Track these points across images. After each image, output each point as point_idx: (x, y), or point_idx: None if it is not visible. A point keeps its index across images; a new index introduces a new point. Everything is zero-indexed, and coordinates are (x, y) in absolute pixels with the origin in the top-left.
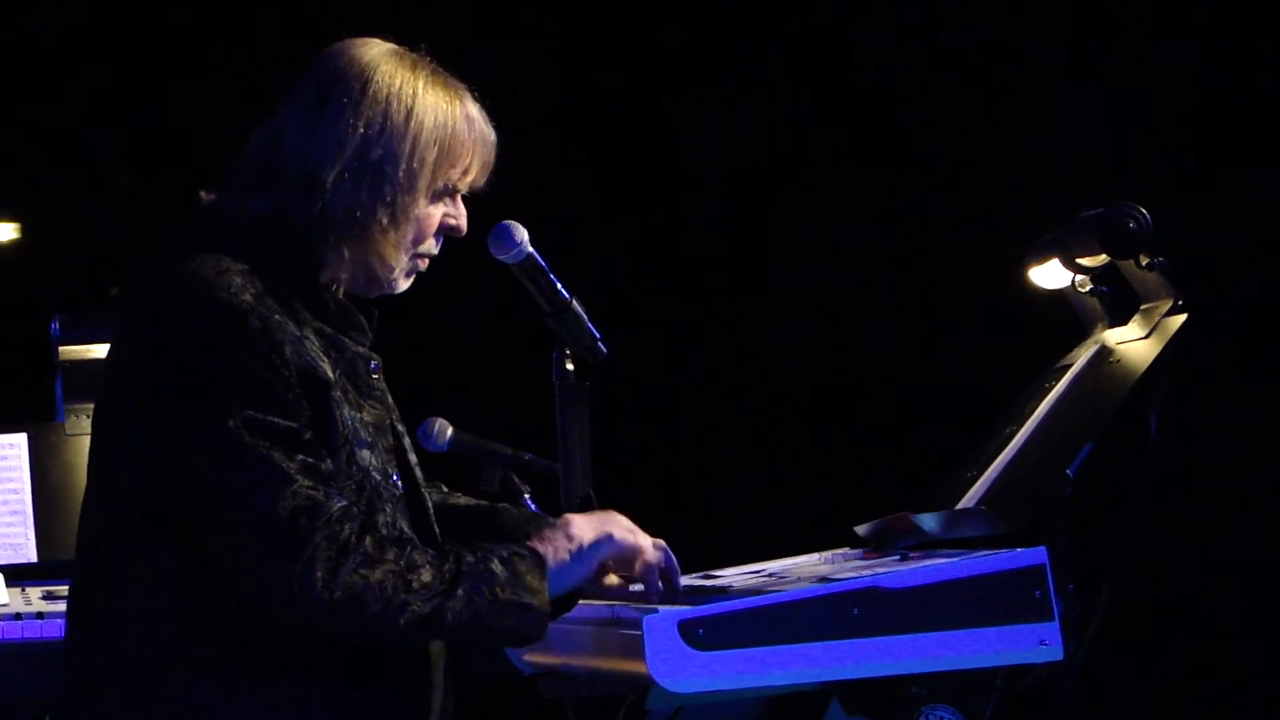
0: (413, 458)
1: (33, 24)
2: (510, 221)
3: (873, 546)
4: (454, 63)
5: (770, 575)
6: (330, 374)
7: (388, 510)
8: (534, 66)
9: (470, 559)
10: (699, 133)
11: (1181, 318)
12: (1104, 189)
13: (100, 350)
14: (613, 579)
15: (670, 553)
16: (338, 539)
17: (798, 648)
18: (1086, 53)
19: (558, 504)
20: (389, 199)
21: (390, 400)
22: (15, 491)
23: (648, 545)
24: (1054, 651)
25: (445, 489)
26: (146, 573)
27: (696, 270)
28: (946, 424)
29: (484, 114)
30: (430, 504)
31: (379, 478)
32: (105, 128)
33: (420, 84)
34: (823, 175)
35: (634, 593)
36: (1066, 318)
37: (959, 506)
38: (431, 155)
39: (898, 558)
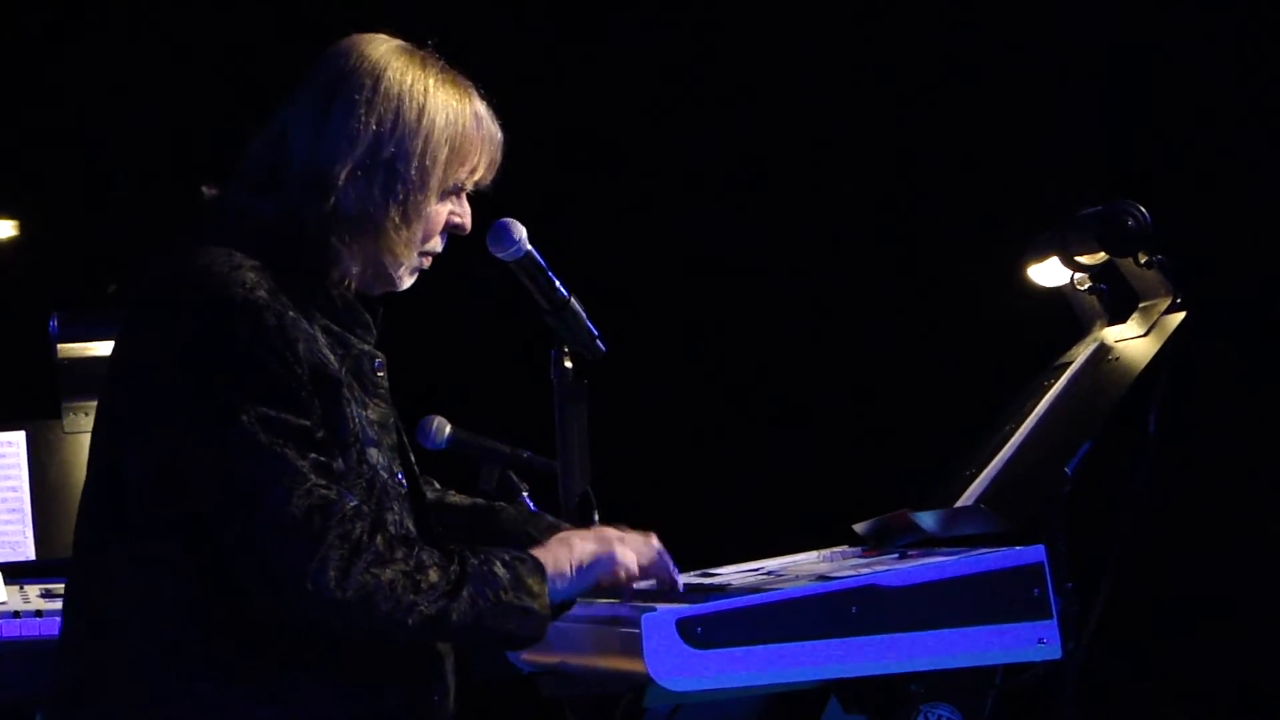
0: (411, 455)
1: (32, 23)
2: (509, 219)
3: (871, 544)
4: (456, 58)
5: (769, 573)
6: (339, 371)
7: (395, 508)
8: (532, 64)
9: (474, 561)
10: (699, 132)
11: (1180, 315)
12: (1105, 188)
13: (99, 348)
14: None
15: (666, 556)
16: (350, 537)
17: (796, 646)
18: (1086, 53)
19: (556, 502)
20: (401, 197)
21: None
22: (13, 489)
23: (643, 565)
24: (1052, 650)
25: (438, 486)
26: (150, 569)
27: (696, 268)
28: (945, 422)
29: (490, 112)
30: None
31: (386, 476)
32: (104, 126)
33: (431, 81)
34: (824, 175)
35: (631, 590)
36: (1065, 316)
37: (958, 504)
38: (443, 154)
39: (896, 556)
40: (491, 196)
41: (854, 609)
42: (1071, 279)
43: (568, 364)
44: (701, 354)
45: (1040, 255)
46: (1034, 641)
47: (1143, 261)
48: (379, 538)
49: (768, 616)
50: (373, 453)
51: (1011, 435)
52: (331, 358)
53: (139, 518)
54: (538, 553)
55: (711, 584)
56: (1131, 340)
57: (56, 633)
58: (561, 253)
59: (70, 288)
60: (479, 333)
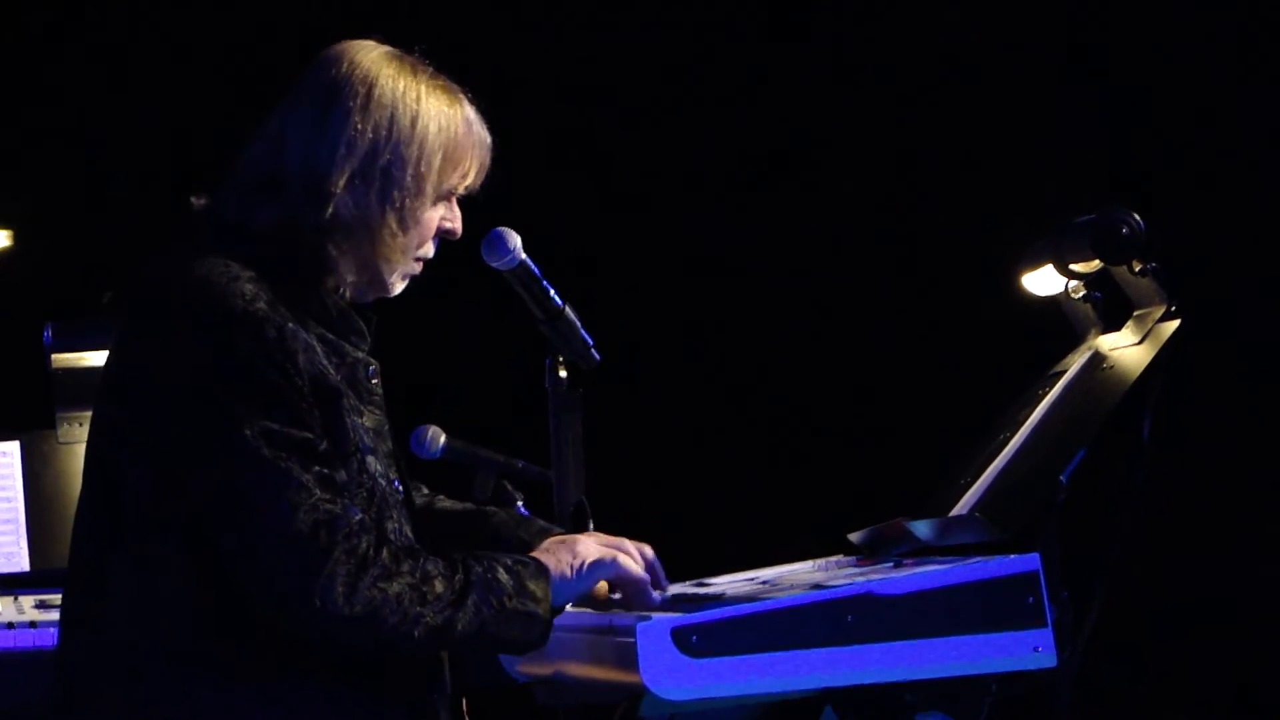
0: (404, 463)
1: (30, 25)
2: (503, 228)
3: (866, 553)
4: (455, 58)
5: (764, 582)
6: (338, 381)
7: (395, 516)
8: (533, 64)
9: (479, 569)
10: (699, 132)
11: (1175, 323)
12: (1105, 188)
13: (93, 358)
14: (603, 587)
15: (658, 567)
16: (357, 552)
17: (791, 655)
18: (1086, 53)
19: (551, 511)
20: (398, 204)
21: None
22: (8, 500)
23: (643, 574)
24: (1048, 658)
25: (426, 491)
26: (148, 577)
27: (696, 268)
28: (940, 430)
29: (479, 117)
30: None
31: (384, 484)
32: (99, 134)
33: (423, 88)
34: (824, 175)
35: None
36: (1063, 319)
37: (953, 513)
38: (437, 159)
39: (891, 564)
40: (493, 197)
41: (849, 618)
42: (1066, 287)
43: (562, 373)
44: (701, 354)
45: (1034, 263)
46: (1029, 650)
47: (1137, 269)
48: (385, 551)
49: (763, 625)
50: (371, 461)
51: (1006, 444)
52: (330, 367)
53: (137, 525)
54: (540, 556)
55: (706, 593)
56: (1126, 348)
57: (51, 644)
58: (561, 253)
59: (64, 297)
60: (473, 342)
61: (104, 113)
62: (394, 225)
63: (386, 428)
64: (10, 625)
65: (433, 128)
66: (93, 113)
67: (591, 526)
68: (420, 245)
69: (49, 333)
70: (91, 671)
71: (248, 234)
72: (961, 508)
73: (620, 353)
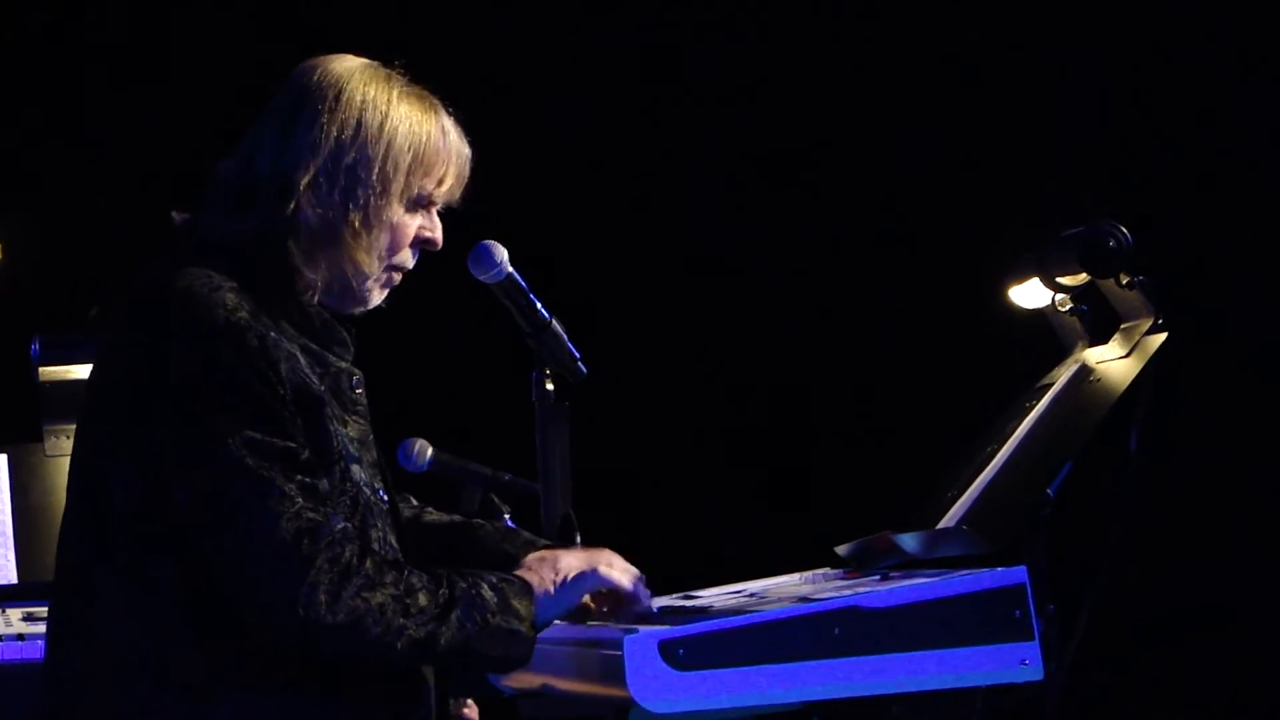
0: (389, 473)
1: (11, 43)
2: (490, 241)
3: (853, 566)
4: (454, 58)
5: (751, 595)
6: (321, 390)
7: (379, 525)
8: (533, 64)
9: (463, 585)
10: (699, 132)
11: (1161, 336)
12: (1105, 189)
13: (81, 371)
14: (590, 600)
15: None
16: (340, 561)
17: (778, 668)
18: (1086, 53)
19: (538, 524)
20: (361, 201)
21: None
22: None
23: (629, 583)
24: (1035, 671)
25: (415, 503)
26: (135, 588)
27: (696, 268)
28: (927, 444)
29: (459, 129)
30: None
31: (369, 493)
32: (85, 149)
33: (394, 94)
34: (824, 175)
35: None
36: (1048, 337)
37: (940, 526)
38: (405, 160)
39: (878, 577)
40: (493, 197)
41: (836, 630)
42: (1053, 300)
43: (549, 386)
44: (683, 378)
45: (1021, 276)
46: (1016, 663)
47: (1124, 282)
48: (368, 561)
49: (750, 638)
50: (356, 470)
51: (993, 456)
52: (313, 376)
53: (123, 536)
54: (523, 574)
55: (693, 606)
56: (1113, 361)
57: (38, 657)
58: (561, 254)
59: (52, 311)
60: (461, 355)
61: (97, 125)
62: (356, 223)
63: (371, 438)
64: None
65: (402, 128)
66: (85, 125)
67: (579, 539)
68: (394, 252)
69: (37, 346)
70: (79, 684)
71: (225, 245)
72: (948, 521)
73: (620, 353)
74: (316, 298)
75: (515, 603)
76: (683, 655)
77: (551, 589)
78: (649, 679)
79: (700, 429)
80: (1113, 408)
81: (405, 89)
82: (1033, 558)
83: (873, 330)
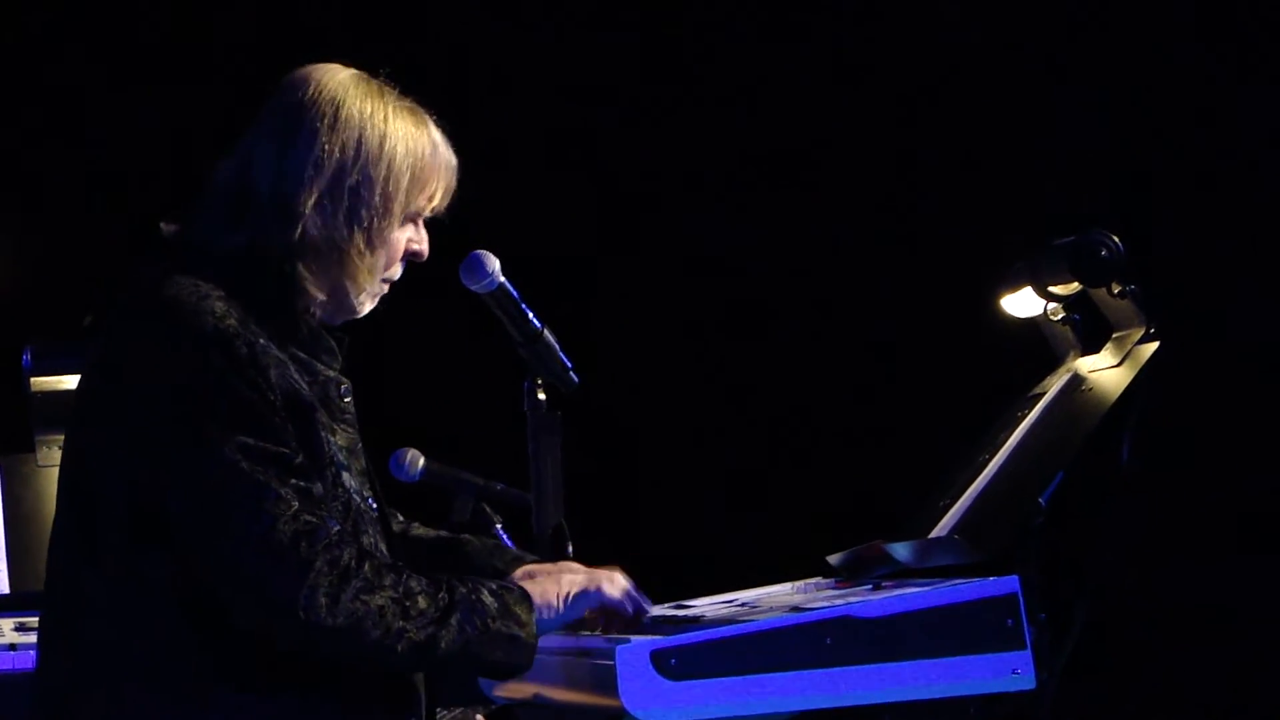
0: (378, 482)
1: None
2: (482, 251)
3: (845, 576)
4: (454, 58)
5: (742, 605)
6: (310, 397)
7: (370, 532)
8: (532, 64)
9: (463, 589)
10: (699, 132)
11: (1154, 345)
12: (1105, 188)
13: (72, 381)
14: (590, 616)
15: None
16: (339, 563)
17: (770, 677)
18: (1086, 53)
19: (530, 534)
20: (366, 224)
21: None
22: None
23: (629, 608)
24: (1026, 680)
25: (402, 518)
26: (124, 593)
27: (696, 268)
28: (919, 453)
29: (445, 139)
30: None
31: (359, 500)
32: (78, 159)
33: (390, 110)
34: (824, 175)
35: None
36: (1040, 346)
37: (931, 535)
38: (405, 180)
39: (870, 587)
40: (492, 198)
41: (828, 640)
42: (1045, 309)
43: (541, 396)
44: (675, 387)
45: (1013, 286)
46: (1008, 672)
47: (1116, 291)
48: (367, 564)
49: (742, 648)
50: (346, 477)
51: (985, 465)
52: (302, 384)
53: (114, 544)
54: (525, 584)
55: (685, 616)
56: (1105, 370)
57: (30, 666)
58: (561, 254)
59: (43, 320)
60: (452, 365)
61: (92, 135)
62: (361, 245)
63: (360, 446)
64: None
65: (400, 149)
66: (80, 134)
67: (571, 549)
68: (388, 266)
69: (28, 356)
70: (70, 692)
71: (216, 256)
72: (940, 530)
73: (619, 353)
74: (317, 314)
75: (516, 609)
76: (675, 665)
77: (555, 601)
78: (641, 689)
79: (700, 429)
80: (1104, 417)
81: (397, 103)
82: (1024, 567)
83: (873, 330)
